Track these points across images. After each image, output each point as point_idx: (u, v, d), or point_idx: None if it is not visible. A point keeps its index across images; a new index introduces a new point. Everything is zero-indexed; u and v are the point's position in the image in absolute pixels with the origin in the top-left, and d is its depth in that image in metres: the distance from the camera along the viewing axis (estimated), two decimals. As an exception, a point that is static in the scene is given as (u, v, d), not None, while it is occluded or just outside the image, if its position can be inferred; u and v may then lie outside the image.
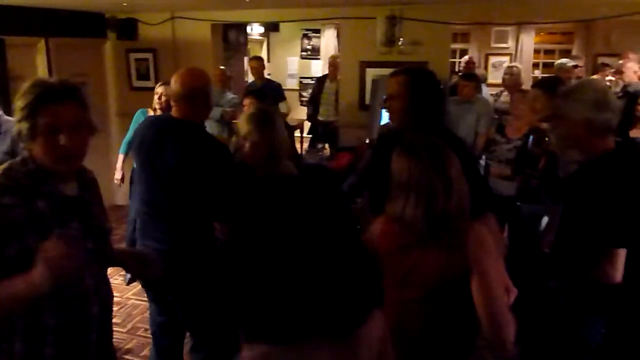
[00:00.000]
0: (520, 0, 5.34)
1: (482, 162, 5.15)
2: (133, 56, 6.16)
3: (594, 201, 1.95)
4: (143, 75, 6.15)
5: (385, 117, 5.16)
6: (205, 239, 2.50)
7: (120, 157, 4.46)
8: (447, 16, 5.40)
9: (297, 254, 0.89)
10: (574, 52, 8.58)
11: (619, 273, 1.90)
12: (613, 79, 5.12)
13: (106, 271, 1.78)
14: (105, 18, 6.09)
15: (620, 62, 4.97)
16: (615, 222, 1.91)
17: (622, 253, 1.90)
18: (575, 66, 5.15)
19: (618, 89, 4.82)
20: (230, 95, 5.40)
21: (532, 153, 3.71)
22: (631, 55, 5.03)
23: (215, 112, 4.90)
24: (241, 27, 7.84)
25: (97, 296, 1.65)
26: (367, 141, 5.00)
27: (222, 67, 5.58)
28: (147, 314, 3.96)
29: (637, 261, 1.95)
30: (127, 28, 6.02)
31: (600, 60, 7.71)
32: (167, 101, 4.06)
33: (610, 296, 2.05)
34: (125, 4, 5.12)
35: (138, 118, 4.32)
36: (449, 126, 4.99)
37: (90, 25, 5.98)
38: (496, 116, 5.29)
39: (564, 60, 5.53)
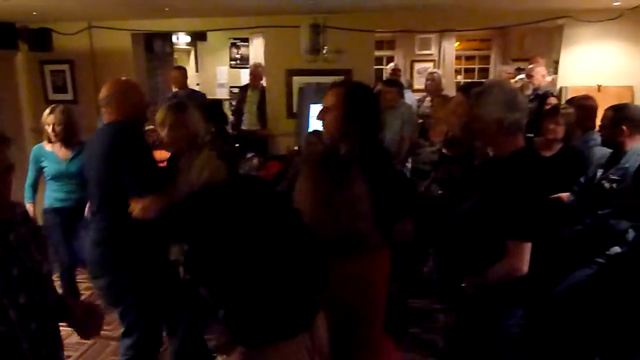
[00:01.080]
0: (440, 9, 5.55)
1: (409, 165, 5.31)
2: (48, 68, 5.86)
3: (503, 197, 2.03)
4: (59, 88, 5.86)
5: (313, 125, 5.20)
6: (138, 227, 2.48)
7: (29, 206, 3.84)
8: (370, 24, 5.53)
9: (257, 254, 0.90)
10: (492, 58, 9.04)
11: (525, 266, 2.00)
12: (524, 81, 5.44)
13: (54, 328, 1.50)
14: (16, 28, 5.74)
15: (530, 66, 5.28)
16: (522, 218, 2.00)
17: (528, 247, 2.00)
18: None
19: (529, 92, 5.11)
20: None
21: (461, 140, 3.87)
22: (540, 60, 5.36)
23: None
24: (166, 37, 7.65)
25: None
26: (296, 148, 5.01)
27: (123, 78, 5.35)
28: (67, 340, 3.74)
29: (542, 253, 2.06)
30: (40, 38, 5.70)
31: (516, 65, 8.19)
32: (63, 129, 3.79)
33: (524, 288, 2.15)
34: (35, 13, 4.85)
35: (35, 155, 3.93)
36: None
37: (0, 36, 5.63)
38: (420, 120, 5.46)
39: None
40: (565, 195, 3.39)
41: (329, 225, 1.53)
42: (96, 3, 4.43)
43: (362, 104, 2.23)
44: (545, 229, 2.19)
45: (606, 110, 3.12)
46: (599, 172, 3.14)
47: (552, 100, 4.42)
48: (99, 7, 4.73)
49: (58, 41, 5.80)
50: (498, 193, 2.07)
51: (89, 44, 5.76)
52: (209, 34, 9.01)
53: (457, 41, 9.32)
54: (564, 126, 3.53)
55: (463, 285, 2.12)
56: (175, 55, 8.59)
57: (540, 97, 4.68)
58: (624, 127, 2.93)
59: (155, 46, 7.20)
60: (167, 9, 4.67)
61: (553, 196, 3.37)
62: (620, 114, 2.98)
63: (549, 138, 3.55)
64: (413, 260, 4.71)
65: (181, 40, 8.83)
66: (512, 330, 2.22)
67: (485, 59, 9.39)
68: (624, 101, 4.03)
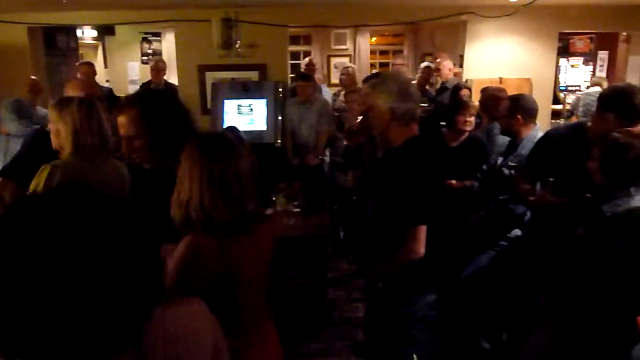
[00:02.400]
0: (352, 4, 5.63)
1: (327, 158, 5.37)
2: None
3: (398, 184, 2.10)
4: (-54, 87, 5.33)
5: (228, 121, 5.11)
6: None
7: None
8: (283, 19, 5.51)
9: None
10: (405, 53, 9.34)
11: (422, 248, 2.06)
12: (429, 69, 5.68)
13: None
14: None
15: (438, 60, 5.50)
16: (414, 202, 2.07)
17: (422, 230, 2.06)
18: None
19: (438, 85, 5.32)
20: (43, 111, 4.55)
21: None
22: (443, 55, 5.61)
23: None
24: (70, 31, 7.20)
25: None
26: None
27: (33, 77, 4.98)
28: None
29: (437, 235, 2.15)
30: None
31: (428, 59, 8.51)
32: None
33: (424, 273, 2.23)
34: None
35: None
36: (292, 126, 5.16)
37: None
38: (337, 114, 5.53)
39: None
40: (454, 182, 3.55)
41: (220, 206, 1.51)
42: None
43: (162, 113, 1.93)
44: (443, 213, 2.27)
45: (503, 100, 3.31)
46: (500, 160, 3.33)
47: (465, 92, 4.61)
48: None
49: (-58, 35, 5.30)
50: (392, 181, 2.13)
51: (-22, 38, 5.30)
52: (117, 28, 8.59)
53: (372, 37, 9.54)
54: (474, 118, 3.72)
55: (369, 274, 2.16)
56: (81, 51, 8.11)
57: (453, 89, 4.87)
58: (519, 116, 3.12)
59: (57, 41, 6.77)
60: (64, 0, 4.38)
61: (449, 181, 3.55)
62: (515, 104, 3.17)
63: (461, 129, 3.71)
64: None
65: (87, 34, 8.37)
66: (417, 316, 2.26)
67: (399, 53, 9.67)
68: (523, 92, 4.29)
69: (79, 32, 7.76)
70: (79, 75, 5.97)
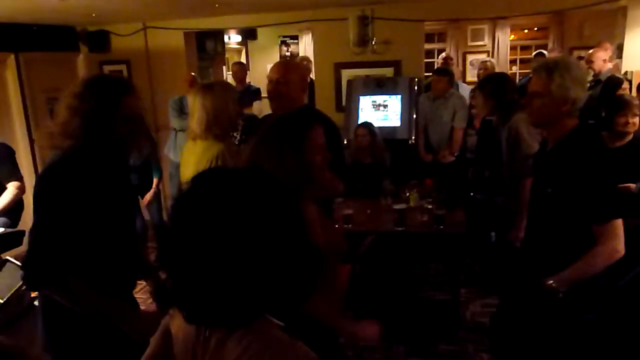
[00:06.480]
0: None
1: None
2: (107, 68, 6.10)
3: (585, 177, 1.94)
4: (117, 87, 6.07)
5: (362, 117, 5.15)
6: None
7: None
8: (419, 14, 5.41)
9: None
10: (549, 47, 8.66)
11: (623, 244, 1.97)
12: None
13: None
14: (77, 31, 6.04)
15: (590, 51, 5.00)
16: (609, 194, 1.95)
17: (620, 224, 1.96)
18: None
19: (590, 78, 4.83)
20: None
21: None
22: (609, 46, 5.07)
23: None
24: (218, 36, 7.82)
25: None
26: (345, 142, 4.98)
27: (192, 74, 5.51)
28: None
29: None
30: (99, 40, 5.97)
31: (576, 53, 7.81)
32: None
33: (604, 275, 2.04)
34: (94, 15, 5.07)
35: None
36: (425, 122, 5.04)
37: (61, 39, 5.91)
38: (474, 111, 5.30)
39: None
40: (633, 185, 3.23)
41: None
42: (151, 2, 4.56)
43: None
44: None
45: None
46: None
47: (625, 86, 4.15)
48: (152, 6, 4.87)
49: (115, 42, 6.04)
50: (576, 175, 1.95)
51: (144, 44, 5.96)
52: (259, 33, 9.14)
53: (512, 32, 8.99)
54: (637, 118, 3.32)
55: (549, 282, 1.95)
56: (227, 55, 8.76)
57: (607, 83, 4.38)
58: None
59: (207, 46, 7.38)
60: (217, 5, 4.75)
61: (621, 185, 3.20)
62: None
63: (622, 132, 3.34)
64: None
65: (232, 39, 9.00)
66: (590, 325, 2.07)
67: (542, 48, 8.99)
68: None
69: (225, 38, 8.39)
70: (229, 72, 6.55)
